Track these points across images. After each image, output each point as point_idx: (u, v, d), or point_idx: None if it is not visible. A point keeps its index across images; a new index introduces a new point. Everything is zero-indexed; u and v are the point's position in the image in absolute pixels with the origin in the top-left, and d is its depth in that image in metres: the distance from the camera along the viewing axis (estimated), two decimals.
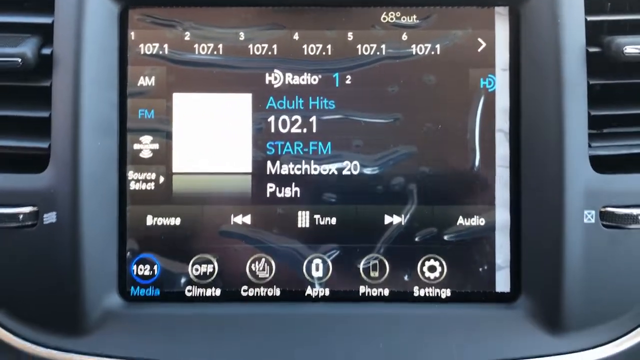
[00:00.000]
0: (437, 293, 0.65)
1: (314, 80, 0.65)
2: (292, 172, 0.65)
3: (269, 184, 0.65)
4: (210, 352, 0.62)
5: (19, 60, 0.61)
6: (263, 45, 0.65)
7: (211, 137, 0.65)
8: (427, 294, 0.65)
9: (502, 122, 0.65)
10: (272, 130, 0.65)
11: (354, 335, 0.63)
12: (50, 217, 0.61)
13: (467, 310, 0.64)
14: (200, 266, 0.65)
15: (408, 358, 0.62)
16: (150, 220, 0.65)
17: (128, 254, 0.65)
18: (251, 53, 0.65)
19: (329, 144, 0.65)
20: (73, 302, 0.62)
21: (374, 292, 0.65)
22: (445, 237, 0.65)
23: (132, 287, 0.65)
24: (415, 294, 0.65)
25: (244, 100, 0.65)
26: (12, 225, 0.61)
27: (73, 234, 0.61)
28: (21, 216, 0.61)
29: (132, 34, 0.65)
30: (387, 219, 0.65)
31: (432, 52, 0.65)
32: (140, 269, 0.65)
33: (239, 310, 0.64)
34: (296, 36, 0.65)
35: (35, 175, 0.62)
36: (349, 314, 0.64)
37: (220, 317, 0.63)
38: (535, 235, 0.63)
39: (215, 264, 0.65)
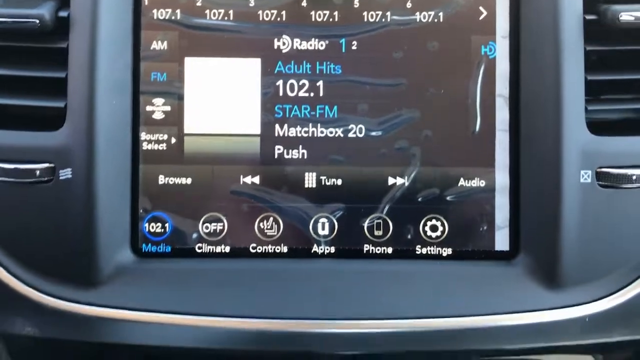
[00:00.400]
0: (439, 251, 0.67)
1: (321, 45, 0.67)
2: (299, 135, 0.67)
3: (277, 146, 0.67)
4: (218, 305, 0.64)
5: (37, 21, 0.63)
6: (272, 11, 0.67)
7: (221, 100, 0.67)
8: (428, 252, 0.67)
9: (502, 87, 0.67)
10: (280, 93, 0.67)
11: (357, 291, 0.65)
12: (66, 173, 0.63)
13: (468, 268, 0.66)
14: (211, 224, 0.67)
15: (409, 312, 0.64)
16: (162, 180, 0.67)
17: (140, 211, 0.67)
18: (260, 19, 0.67)
19: (335, 107, 0.67)
20: (86, 256, 0.64)
21: (378, 250, 0.67)
22: (447, 198, 0.67)
23: (144, 244, 0.67)
24: (418, 252, 0.67)
25: (253, 65, 0.67)
26: (28, 181, 0.63)
27: (88, 190, 0.63)
28: (38, 172, 0.63)
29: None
30: (391, 180, 0.67)
31: (436, 20, 0.67)
32: (152, 227, 0.67)
33: (248, 266, 0.66)
34: (304, 3, 0.67)
35: (51, 133, 0.64)
36: (353, 270, 0.66)
37: (229, 271, 0.66)
38: (534, 196, 0.65)
39: (225, 222, 0.67)
